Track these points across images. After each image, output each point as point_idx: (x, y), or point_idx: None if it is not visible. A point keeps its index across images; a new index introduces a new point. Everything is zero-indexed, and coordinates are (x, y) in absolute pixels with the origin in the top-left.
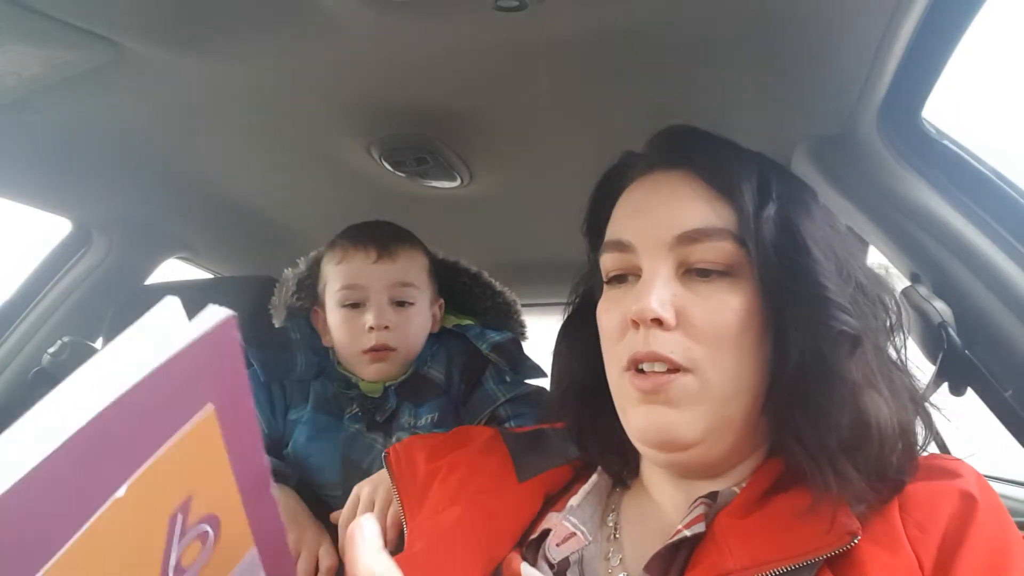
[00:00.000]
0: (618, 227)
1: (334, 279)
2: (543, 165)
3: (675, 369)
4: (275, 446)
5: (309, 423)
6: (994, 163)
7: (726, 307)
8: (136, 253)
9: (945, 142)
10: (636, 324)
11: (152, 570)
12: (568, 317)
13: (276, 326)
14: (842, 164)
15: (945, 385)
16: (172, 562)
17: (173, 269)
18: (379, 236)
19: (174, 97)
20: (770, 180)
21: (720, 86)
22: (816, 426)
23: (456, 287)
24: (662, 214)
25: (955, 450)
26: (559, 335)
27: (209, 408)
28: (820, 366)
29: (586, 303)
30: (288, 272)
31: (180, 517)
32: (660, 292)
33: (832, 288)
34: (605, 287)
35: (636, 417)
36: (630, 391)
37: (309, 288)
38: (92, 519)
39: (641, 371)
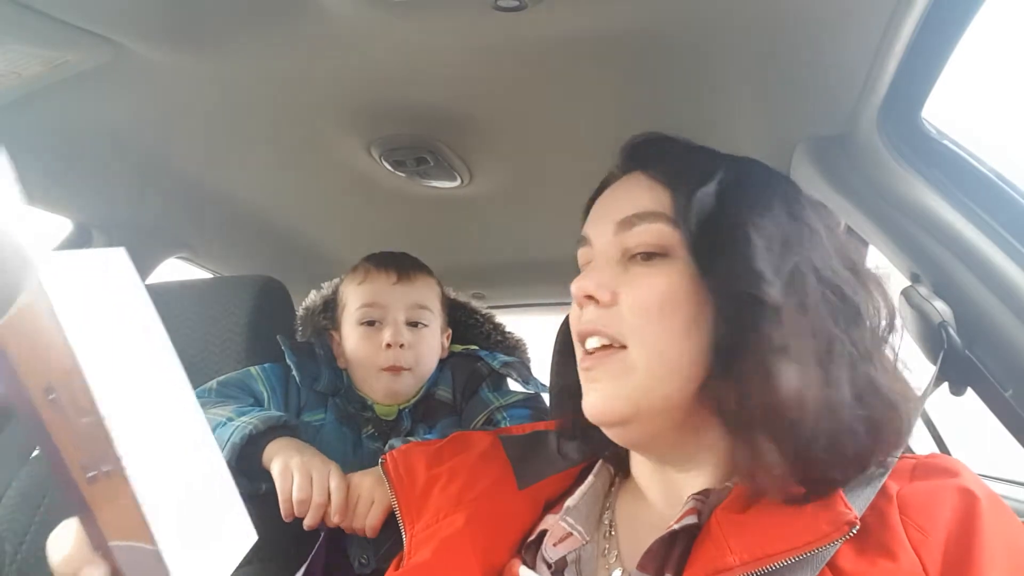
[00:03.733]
0: (584, 226)
1: (354, 298)
2: (543, 165)
3: (610, 345)
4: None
5: (331, 433)
6: (994, 163)
7: (652, 285)
8: (136, 253)
9: (945, 142)
10: (579, 303)
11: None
12: (564, 321)
13: (299, 340)
14: (842, 164)
15: (945, 385)
16: (84, 424)
17: (173, 269)
18: (399, 261)
19: (174, 97)
20: (717, 168)
21: (720, 87)
22: (734, 394)
23: (467, 323)
24: (608, 208)
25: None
26: (557, 337)
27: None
28: (738, 336)
29: None
30: (314, 293)
31: (73, 387)
32: (596, 273)
33: (756, 261)
34: None
35: (584, 399)
36: (580, 372)
37: (333, 310)
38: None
39: (588, 352)
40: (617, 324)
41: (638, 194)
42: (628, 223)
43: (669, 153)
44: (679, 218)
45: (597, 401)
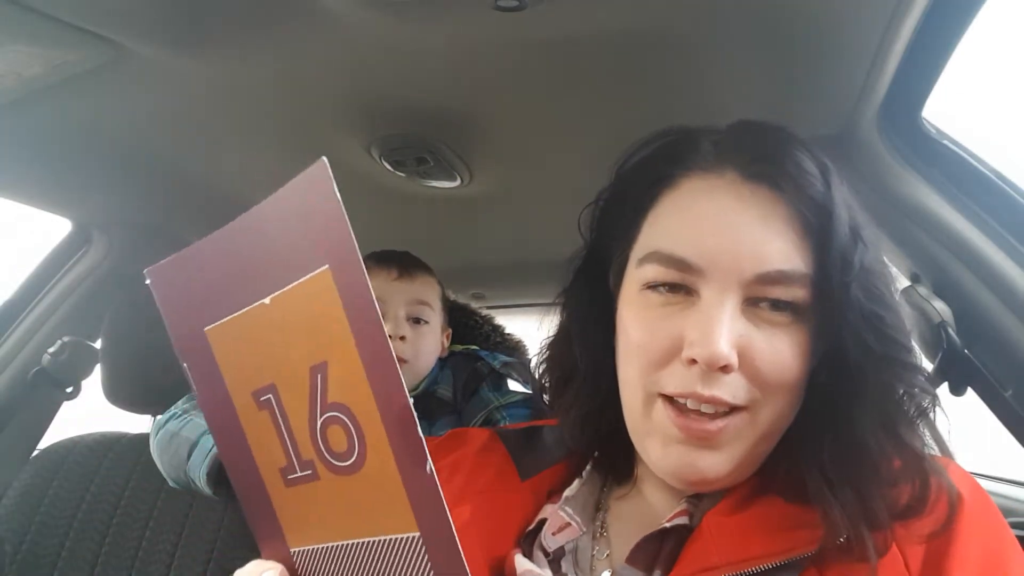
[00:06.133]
0: (678, 239)
1: None
2: (543, 165)
3: (727, 409)
4: None
5: None
6: (994, 163)
7: (790, 351)
8: (136, 253)
9: (945, 142)
10: (694, 362)
11: (301, 409)
12: (583, 307)
13: None
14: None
15: (945, 385)
16: (318, 423)
17: None
18: (401, 259)
19: (174, 97)
20: (854, 207)
21: (720, 86)
22: (815, 452)
23: (468, 324)
24: (745, 246)
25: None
26: (569, 322)
27: (325, 268)
28: (886, 429)
29: (589, 286)
30: None
31: (320, 378)
32: (730, 332)
33: (909, 347)
34: (639, 291)
35: (666, 454)
36: (664, 427)
37: None
38: (244, 309)
39: (682, 404)
40: (745, 391)
41: (784, 241)
42: (771, 280)
43: (806, 173)
44: (827, 288)
45: (694, 470)
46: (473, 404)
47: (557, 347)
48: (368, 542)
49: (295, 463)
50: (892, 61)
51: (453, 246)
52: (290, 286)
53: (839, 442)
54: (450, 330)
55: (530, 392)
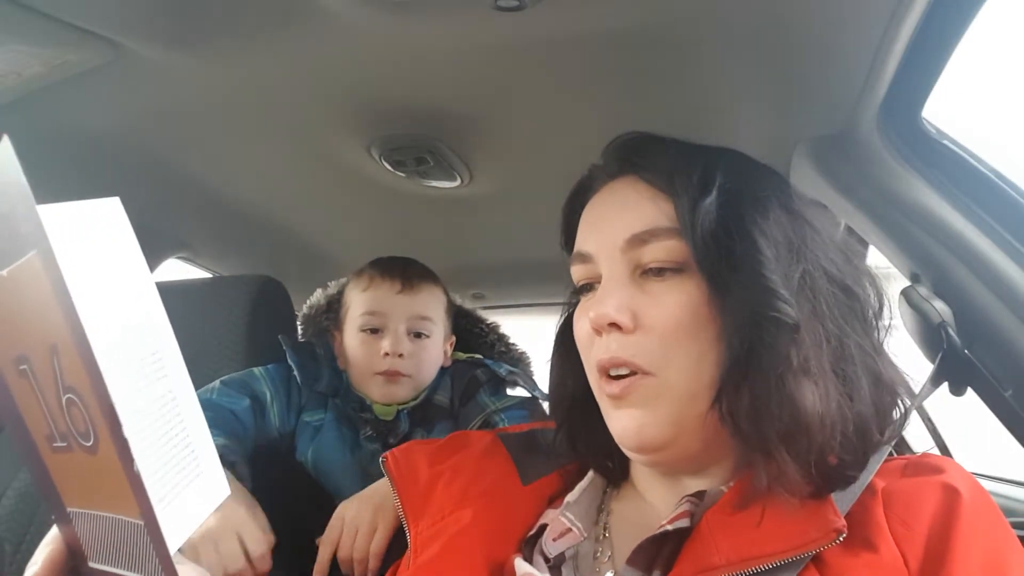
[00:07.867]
0: (580, 239)
1: (357, 304)
2: (543, 165)
3: (636, 372)
4: (282, 440)
5: (331, 433)
6: (994, 163)
7: (676, 303)
8: None
9: (945, 142)
10: (598, 331)
11: (50, 384)
12: (560, 325)
13: (300, 340)
14: (842, 164)
15: (945, 385)
16: (63, 400)
17: (173, 269)
18: (405, 270)
19: (174, 97)
20: (715, 172)
21: (720, 86)
22: (753, 416)
23: (473, 332)
24: (612, 221)
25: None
26: (554, 343)
27: (35, 254)
28: (754, 354)
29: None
30: (319, 293)
31: (56, 359)
32: (616, 297)
33: (769, 276)
34: (577, 298)
35: (612, 423)
36: (603, 397)
37: (337, 310)
38: None
39: (610, 376)
40: (646, 352)
41: (643, 206)
42: (639, 240)
43: (662, 155)
44: (686, 232)
45: (632, 429)
46: (470, 409)
47: (552, 362)
48: (117, 519)
49: (55, 433)
50: (892, 61)
51: (453, 246)
52: (21, 261)
53: (762, 396)
54: (454, 338)
55: (527, 395)
